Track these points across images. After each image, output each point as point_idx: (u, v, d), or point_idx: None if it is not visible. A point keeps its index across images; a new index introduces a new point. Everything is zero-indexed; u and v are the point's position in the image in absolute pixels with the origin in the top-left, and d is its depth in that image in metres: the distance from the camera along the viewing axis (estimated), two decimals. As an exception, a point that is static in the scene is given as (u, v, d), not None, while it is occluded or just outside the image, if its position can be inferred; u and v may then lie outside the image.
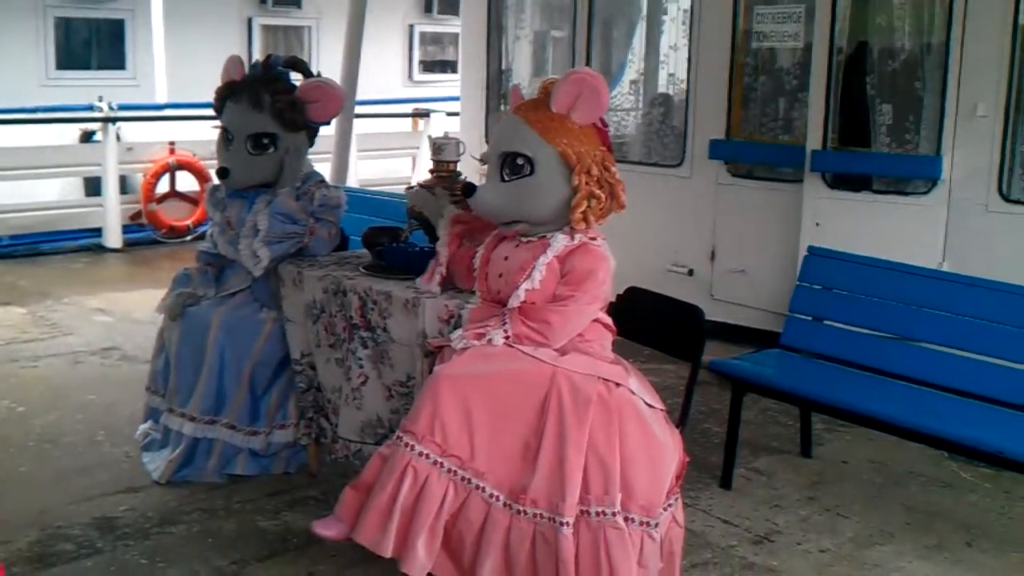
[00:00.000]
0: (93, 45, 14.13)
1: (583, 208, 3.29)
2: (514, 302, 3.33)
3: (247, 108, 4.30)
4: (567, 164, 3.30)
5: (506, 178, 3.35)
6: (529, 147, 3.31)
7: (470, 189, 3.41)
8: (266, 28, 15.21)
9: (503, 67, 8.22)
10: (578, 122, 3.32)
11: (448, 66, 16.55)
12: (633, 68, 7.88)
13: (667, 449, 3.27)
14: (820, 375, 4.49)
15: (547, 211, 3.35)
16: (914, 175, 5.72)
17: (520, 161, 3.32)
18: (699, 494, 4.36)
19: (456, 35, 11.48)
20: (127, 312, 7.27)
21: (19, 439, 4.84)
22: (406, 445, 3.16)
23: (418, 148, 11.54)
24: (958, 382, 4.20)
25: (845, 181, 5.94)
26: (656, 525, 3.18)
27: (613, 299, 3.83)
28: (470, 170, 4.10)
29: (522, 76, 8.07)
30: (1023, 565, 3.87)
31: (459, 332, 3.37)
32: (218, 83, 4.44)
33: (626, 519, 3.12)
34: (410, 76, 16.82)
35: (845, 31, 5.90)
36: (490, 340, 3.27)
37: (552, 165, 3.31)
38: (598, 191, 3.32)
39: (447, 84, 13.88)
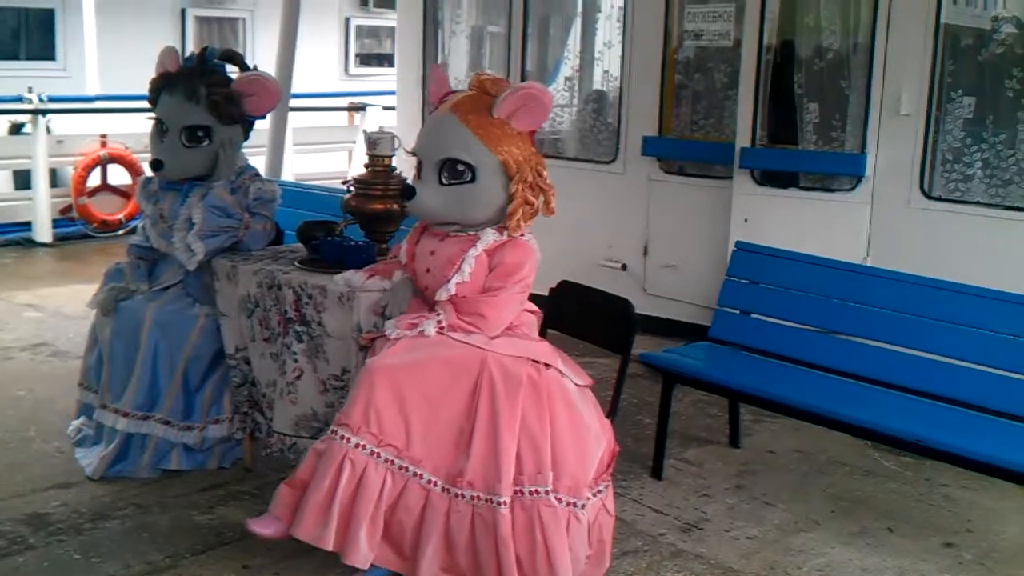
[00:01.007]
0: (22, 35, 13.86)
1: (518, 216, 3.36)
2: (443, 295, 3.38)
3: (182, 100, 4.29)
4: (507, 172, 3.35)
5: (444, 182, 3.39)
6: (472, 155, 3.34)
7: (409, 192, 3.44)
8: (200, 19, 15.04)
9: (440, 61, 8.24)
10: (517, 128, 3.37)
11: (385, 60, 16.52)
12: (568, 65, 7.96)
13: (593, 431, 3.37)
14: (748, 367, 4.60)
15: (484, 216, 3.41)
16: (839, 172, 5.87)
17: (461, 167, 3.36)
18: (630, 484, 4.45)
19: (393, 28, 11.46)
20: (58, 308, 7.18)
21: (-53, 435, 4.78)
22: (342, 438, 3.20)
23: (354, 142, 11.51)
24: (881, 373, 4.32)
25: (773, 178, 6.07)
26: (582, 507, 3.27)
27: (546, 292, 3.91)
28: (405, 165, 4.13)
29: (459, 71, 8.09)
30: (941, 549, 4.00)
31: (392, 322, 3.42)
32: (151, 74, 4.42)
33: (556, 498, 3.20)
34: (346, 70, 16.74)
35: (774, 30, 6.02)
36: (422, 331, 3.32)
37: (493, 173, 3.35)
38: (532, 198, 3.39)
39: (384, 78, 13.84)
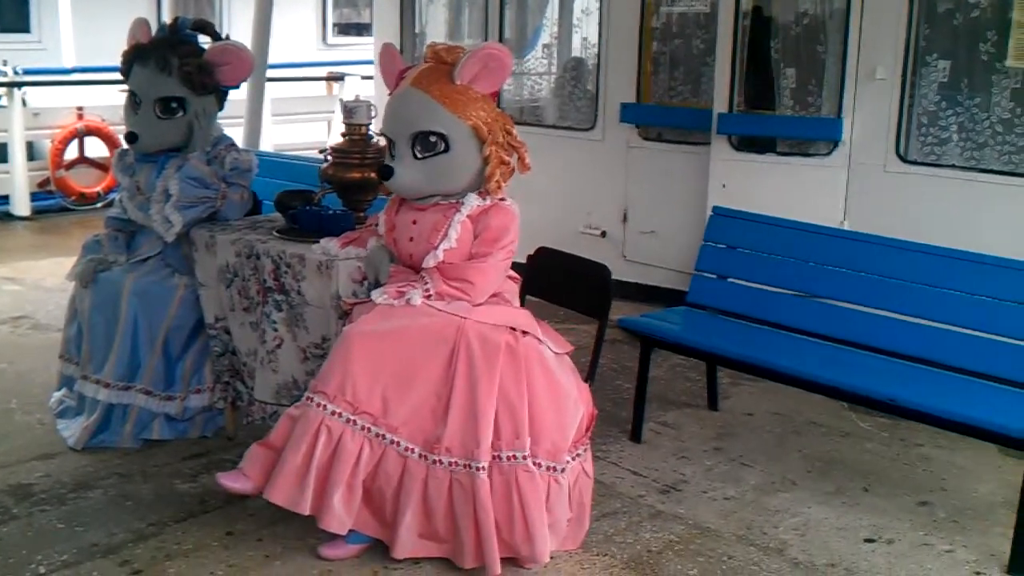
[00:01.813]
0: (-5, 7, 13.70)
1: (496, 177, 3.38)
2: (431, 262, 3.40)
3: (155, 72, 4.27)
4: (479, 137, 3.36)
5: (419, 155, 3.39)
6: (442, 124, 3.35)
7: (387, 171, 3.44)
8: (175, -10, 14.88)
9: (417, 30, 8.20)
10: (480, 91, 3.38)
11: (364, 29, 16.38)
12: (547, 32, 7.94)
13: (571, 396, 3.40)
14: (725, 331, 4.63)
15: (463, 183, 3.43)
16: (816, 137, 5.89)
17: (433, 139, 3.36)
18: (610, 447, 4.49)
19: (370, -2, 11.39)
20: (37, 280, 7.16)
21: (-72, 409, 4.79)
22: (318, 405, 3.23)
23: (333, 112, 11.43)
24: (857, 336, 4.36)
25: (750, 143, 6.10)
26: (562, 470, 3.31)
27: (523, 260, 3.93)
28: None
29: (437, 39, 8.05)
30: (916, 507, 4.06)
31: (380, 289, 3.43)
32: (125, 46, 4.40)
33: (534, 463, 3.24)
34: (324, 39, 16.61)
35: (750, -4, 6.03)
36: (409, 300, 3.33)
37: (465, 139, 3.37)
38: (506, 157, 3.41)
39: (362, 47, 13.74)
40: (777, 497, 4.12)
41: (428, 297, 3.35)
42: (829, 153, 5.79)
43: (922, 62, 5.49)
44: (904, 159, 5.55)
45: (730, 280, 4.81)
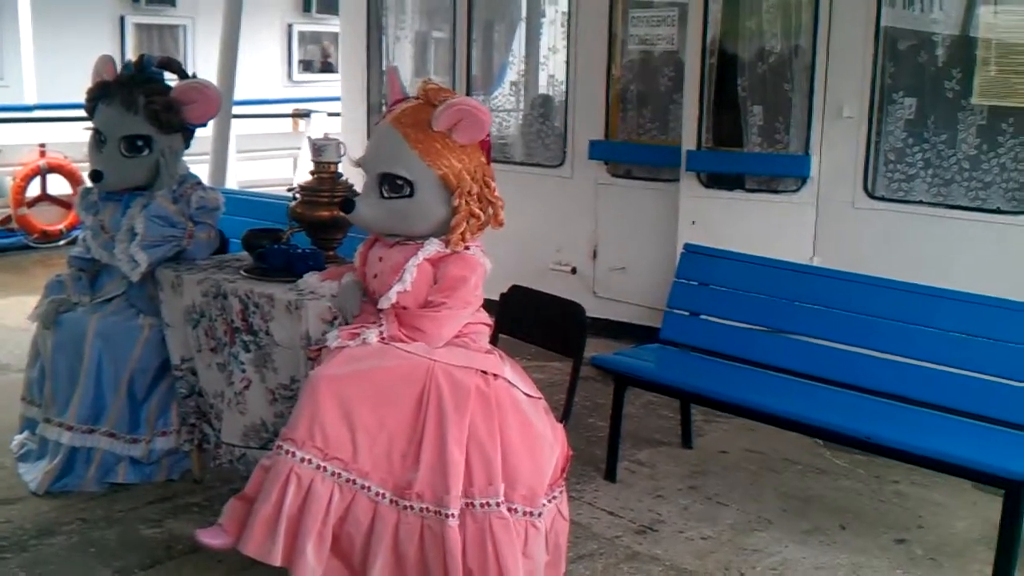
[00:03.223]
0: (-43, 44, 13.58)
1: (462, 228, 3.33)
2: (384, 304, 3.34)
3: (120, 110, 4.22)
4: (447, 187, 3.32)
5: (385, 195, 3.34)
6: (409, 170, 3.29)
7: (349, 205, 3.40)
8: (139, 27, 14.82)
9: (384, 67, 8.19)
10: (459, 141, 3.33)
11: (328, 66, 16.44)
12: (514, 69, 7.96)
13: (546, 439, 3.34)
14: (698, 368, 4.62)
15: (426, 229, 3.37)
16: (784, 174, 5.92)
17: (399, 182, 3.31)
18: (584, 487, 4.44)
19: (336, 35, 11.39)
20: (-2, 320, 7.04)
21: None
22: (287, 452, 3.16)
23: (299, 149, 11.43)
24: (829, 372, 4.35)
25: (719, 180, 6.11)
26: (540, 515, 3.25)
27: (496, 297, 3.89)
28: (352, 172, 4.09)
29: (404, 76, 8.03)
30: (893, 545, 4.04)
31: (334, 332, 3.38)
32: (89, 83, 4.34)
33: (510, 509, 3.18)
34: (290, 76, 16.62)
35: (717, 34, 6.07)
36: (364, 340, 3.28)
37: (432, 187, 3.30)
38: (477, 210, 3.34)
39: (328, 84, 13.75)
40: (754, 536, 4.08)
41: (383, 340, 3.29)
42: (798, 190, 5.81)
43: (888, 99, 5.54)
44: (872, 195, 5.59)
45: (702, 317, 4.80)
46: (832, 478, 4.68)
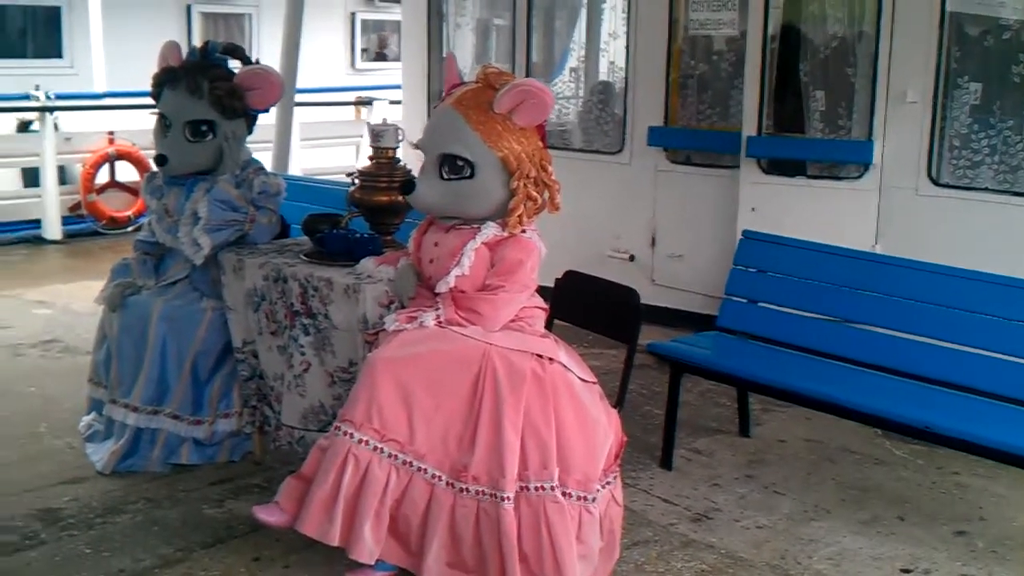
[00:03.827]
0: (29, 33, 13.87)
1: (520, 211, 3.34)
2: (443, 287, 3.37)
3: (185, 95, 4.29)
4: (507, 169, 3.33)
5: (445, 176, 3.37)
6: (470, 151, 3.31)
7: (409, 187, 3.43)
8: (205, 15, 15.04)
9: (444, 55, 8.22)
10: (519, 124, 3.34)
11: (383, 56, 16.62)
12: (574, 56, 7.94)
13: (600, 424, 3.34)
14: (756, 356, 4.58)
15: (484, 211, 3.39)
16: (847, 160, 5.85)
17: (460, 163, 3.34)
18: (640, 474, 4.44)
19: (397, 23, 11.46)
20: (67, 304, 7.20)
21: (-42, 432, 4.80)
22: (345, 433, 3.20)
23: (361, 136, 11.47)
24: (890, 361, 4.30)
25: (780, 166, 6.06)
26: (593, 500, 3.26)
27: (551, 283, 3.90)
28: (410, 157, 4.12)
29: (464, 64, 8.08)
30: (952, 536, 3.99)
31: (392, 316, 3.42)
32: (156, 69, 4.42)
33: (564, 494, 3.19)
34: (353, 64, 16.74)
35: (779, 19, 6.00)
36: (421, 323, 3.31)
37: (492, 169, 3.33)
38: (535, 193, 3.37)
39: (390, 72, 13.83)
40: (811, 526, 4.05)
41: (440, 323, 3.32)
42: (860, 176, 5.74)
43: (953, 84, 5.44)
44: (936, 182, 5.50)
45: (760, 304, 4.76)
46: (891, 468, 4.62)
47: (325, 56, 14.95)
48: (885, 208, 5.66)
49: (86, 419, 4.65)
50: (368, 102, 12.19)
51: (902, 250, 4.93)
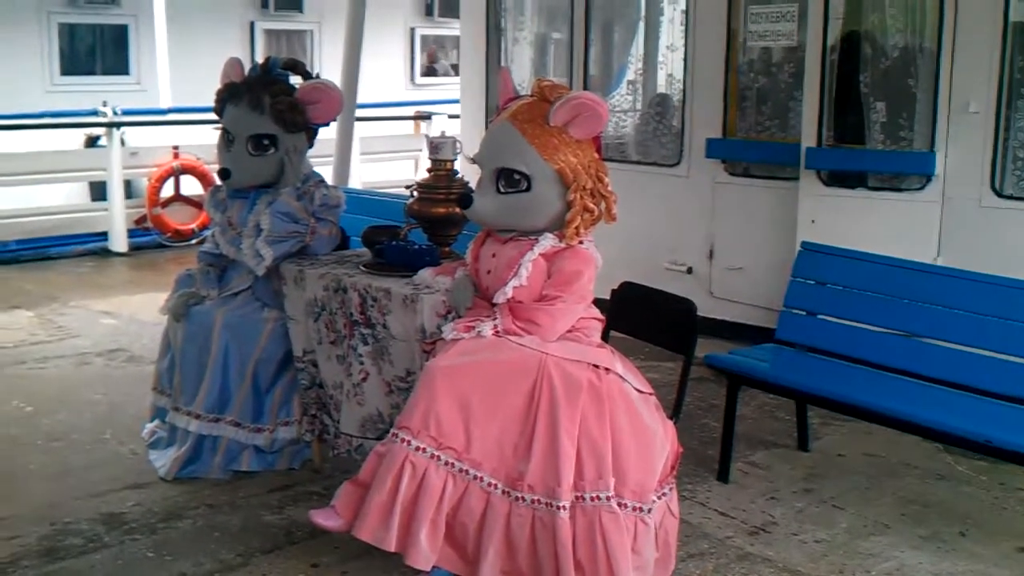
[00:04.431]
0: (97, 50, 14.23)
1: (577, 223, 3.36)
2: (501, 298, 3.40)
3: (247, 110, 4.37)
4: (563, 182, 3.36)
5: (502, 190, 3.40)
6: (527, 164, 3.34)
7: (467, 200, 3.47)
8: (268, 32, 15.30)
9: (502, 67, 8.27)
10: (574, 136, 3.36)
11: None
12: (632, 69, 7.95)
13: (656, 435, 3.34)
14: (815, 369, 4.54)
15: (541, 223, 3.42)
16: (908, 171, 5.78)
17: (517, 177, 3.36)
18: (696, 487, 4.42)
19: (457, 38, 11.55)
20: (133, 314, 7.35)
21: (28, 438, 4.92)
22: (402, 440, 3.23)
23: (420, 151, 11.57)
24: (952, 375, 4.24)
25: (840, 178, 6.00)
26: (649, 511, 3.26)
27: (607, 295, 3.91)
28: (468, 169, 4.16)
29: (522, 78, 8.12)
30: (1015, 553, 3.92)
31: (450, 325, 3.45)
32: (219, 86, 4.51)
33: (619, 504, 3.19)
34: (412, 79, 16.90)
35: (838, 29, 5.96)
36: (479, 333, 3.34)
37: (549, 182, 3.35)
38: (591, 204, 3.39)
39: (449, 87, 13.94)
40: (870, 540, 4.00)
41: (497, 332, 3.35)
42: (922, 188, 5.67)
43: (1017, 94, 5.36)
44: (1000, 194, 5.42)
45: (820, 317, 4.72)
46: (953, 484, 4.55)
47: (385, 71, 15.11)
48: (947, 220, 5.58)
49: (149, 426, 4.75)
50: (427, 116, 12.29)
51: (964, 262, 4.85)
